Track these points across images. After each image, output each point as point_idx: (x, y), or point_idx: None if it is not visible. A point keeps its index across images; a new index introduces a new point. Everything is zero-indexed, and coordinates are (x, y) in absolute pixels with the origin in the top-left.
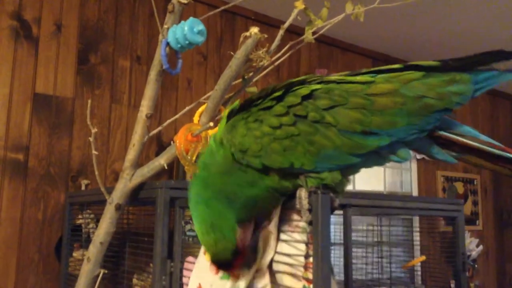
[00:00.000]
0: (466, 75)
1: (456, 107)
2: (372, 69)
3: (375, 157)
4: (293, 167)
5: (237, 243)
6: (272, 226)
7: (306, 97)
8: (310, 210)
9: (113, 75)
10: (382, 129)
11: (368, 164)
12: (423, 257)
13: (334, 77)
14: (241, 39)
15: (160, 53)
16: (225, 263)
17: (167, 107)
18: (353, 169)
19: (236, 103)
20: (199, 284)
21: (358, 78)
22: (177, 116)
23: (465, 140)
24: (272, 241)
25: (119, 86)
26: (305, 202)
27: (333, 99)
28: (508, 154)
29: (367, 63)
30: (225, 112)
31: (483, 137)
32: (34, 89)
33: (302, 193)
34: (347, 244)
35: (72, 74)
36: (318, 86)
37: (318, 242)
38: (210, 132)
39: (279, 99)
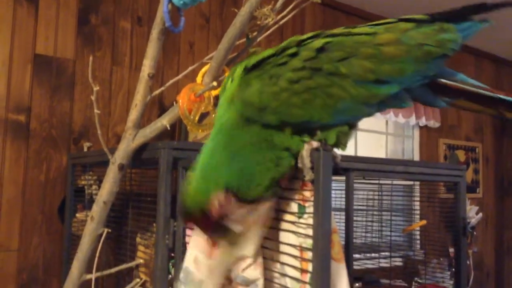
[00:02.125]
0: (451, 25)
1: (451, 53)
2: (369, 23)
3: (381, 106)
4: (312, 120)
5: (210, 205)
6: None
7: (319, 50)
8: (312, 169)
9: (114, 37)
10: (393, 76)
11: (372, 113)
12: (424, 222)
13: (338, 30)
14: None
15: (163, 10)
16: (191, 217)
17: (169, 71)
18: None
19: (246, 62)
20: (196, 256)
21: (361, 29)
22: (179, 76)
23: (457, 85)
24: (255, 234)
25: (120, 48)
26: (307, 161)
27: (345, 50)
28: (496, 95)
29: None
30: (236, 72)
31: (472, 81)
32: (34, 50)
33: (304, 152)
34: (349, 208)
35: (73, 35)
36: (329, 39)
37: (319, 199)
38: (213, 92)
39: (294, 55)
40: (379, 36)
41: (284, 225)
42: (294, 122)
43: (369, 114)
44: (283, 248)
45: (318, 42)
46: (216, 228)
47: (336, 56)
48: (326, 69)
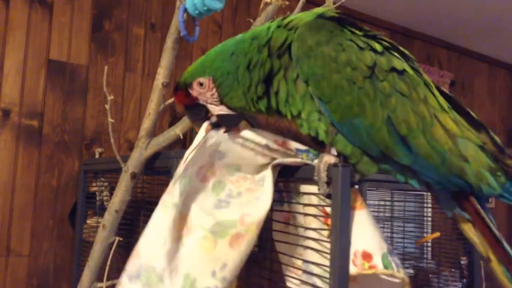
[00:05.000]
0: (504, 177)
1: (477, 192)
2: (454, 98)
3: (393, 164)
4: (326, 105)
5: (193, 82)
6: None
7: (395, 70)
8: (328, 183)
9: (127, 43)
10: (418, 150)
11: (384, 166)
12: (437, 234)
13: (428, 79)
14: (262, 5)
15: (178, 19)
16: (176, 89)
17: (181, 77)
18: (374, 162)
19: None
20: None
21: (440, 97)
22: None
23: (484, 216)
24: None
25: (133, 54)
26: (323, 175)
27: (410, 91)
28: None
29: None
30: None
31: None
32: (48, 55)
33: (321, 165)
34: None
35: (86, 41)
36: (410, 71)
37: (337, 215)
38: None
39: (375, 51)
40: (445, 115)
41: (306, 242)
42: (313, 91)
43: (371, 153)
44: (307, 265)
45: (400, 65)
46: (191, 107)
47: (399, 87)
48: (383, 86)
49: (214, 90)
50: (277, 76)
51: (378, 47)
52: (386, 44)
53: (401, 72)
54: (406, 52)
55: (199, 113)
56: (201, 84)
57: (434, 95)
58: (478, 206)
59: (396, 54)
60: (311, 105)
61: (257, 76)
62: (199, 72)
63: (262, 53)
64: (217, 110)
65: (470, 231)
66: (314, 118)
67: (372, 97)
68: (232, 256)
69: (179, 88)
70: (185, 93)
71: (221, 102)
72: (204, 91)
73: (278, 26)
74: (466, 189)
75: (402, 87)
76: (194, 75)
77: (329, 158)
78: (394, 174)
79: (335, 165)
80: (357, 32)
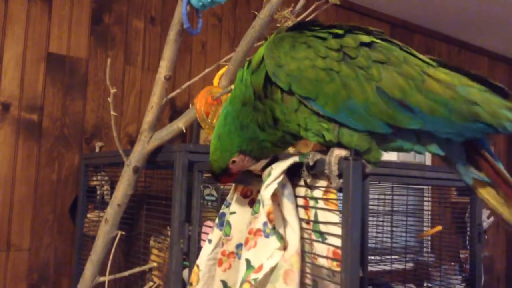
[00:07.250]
0: None
1: (502, 131)
2: (441, 59)
3: (406, 136)
4: (316, 102)
5: (228, 165)
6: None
7: (363, 44)
8: (339, 176)
9: (127, 36)
10: (421, 108)
11: (397, 144)
12: (440, 227)
13: (401, 43)
14: None
15: (181, 11)
16: (217, 179)
17: (181, 70)
18: (384, 143)
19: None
20: None
21: (421, 56)
22: (196, 78)
23: (501, 168)
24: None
25: (133, 48)
26: (334, 168)
27: (388, 56)
28: None
29: (385, 28)
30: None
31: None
32: (47, 48)
33: (332, 159)
34: (364, 213)
35: (86, 34)
36: (380, 42)
37: (348, 209)
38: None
39: (337, 35)
40: (435, 70)
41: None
42: (299, 94)
43: (378, 130)
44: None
45: (367, 38)
46: (239, 178)
47: (375, 57)
48: (359, 61)
49: (247, 157)
50: (274, 107)
51: (339, 31)
52: (347, 28)
53: (371, 44)
54: (375, 29)
55: (249, 177)
56: (234, 162)
57: (415, 56)
58: (492, 160)
59: (360, 32)
60: (305, 111)
61: (272, 129)
62: (227, 155)
63: (259, 109)
64: (260, 166)
65: (493, 199)
66: (313, 121)
67: (354, 76)
68: None
69: (219, 174)
70: (227, 175)
71: (258, 160)
72: (241, 164)
73: (252, 73)
74: (488, 131)
75: (378, 56)
76: (225, 160)
77: (340, 152)
78: (412, 147)
79: (346, 158)
80: (316, 28)
